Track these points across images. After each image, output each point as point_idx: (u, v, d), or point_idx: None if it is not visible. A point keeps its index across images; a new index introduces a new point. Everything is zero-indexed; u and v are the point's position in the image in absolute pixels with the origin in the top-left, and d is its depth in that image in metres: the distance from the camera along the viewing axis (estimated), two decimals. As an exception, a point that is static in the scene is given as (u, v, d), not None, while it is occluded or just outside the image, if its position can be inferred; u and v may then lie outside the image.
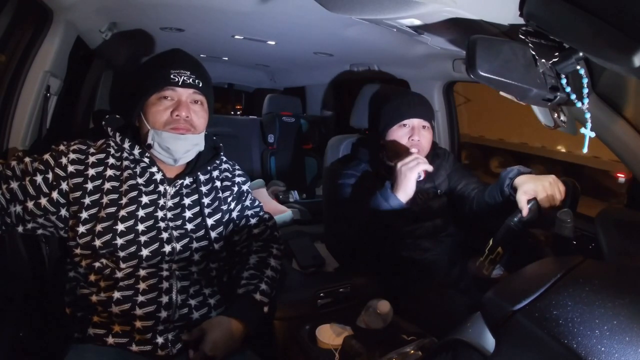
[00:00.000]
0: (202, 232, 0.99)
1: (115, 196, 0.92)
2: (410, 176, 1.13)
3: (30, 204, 0.89)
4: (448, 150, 1.60)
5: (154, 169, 0.96)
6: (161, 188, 0.96)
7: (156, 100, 0.93)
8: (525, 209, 0.94)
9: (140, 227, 0.91)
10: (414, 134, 1.26)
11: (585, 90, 0.66)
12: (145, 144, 0.95)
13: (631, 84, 0.78)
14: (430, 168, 1.15)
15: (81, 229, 0.89)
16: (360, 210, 1.22)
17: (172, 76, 0.92)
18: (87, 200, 0.90)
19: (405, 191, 1.14)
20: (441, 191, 1.34)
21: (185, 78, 0.93)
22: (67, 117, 1.72)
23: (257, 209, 1.14)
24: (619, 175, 2.99)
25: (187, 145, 0.95)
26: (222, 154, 1.09)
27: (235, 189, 1.10)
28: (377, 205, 1.16)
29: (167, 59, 0.96)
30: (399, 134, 1.28)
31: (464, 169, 1.42)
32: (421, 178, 1.16)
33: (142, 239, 0.91)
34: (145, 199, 0.94)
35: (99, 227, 0.89)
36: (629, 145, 0.82)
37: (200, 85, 0.95)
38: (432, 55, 1.51)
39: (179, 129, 0.93)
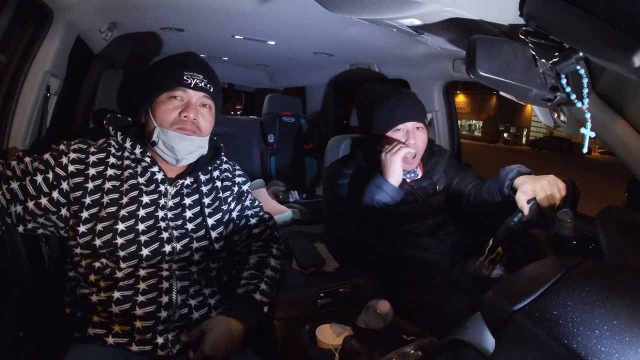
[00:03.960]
0: (202, 232, 0.99)
1: (115, 195, 0.92)
2: (396, 159, 1.19)
3: (30, 204, 0.89)
4: (445, 148, 1.60)
5: (155, 169, 0.97)
6: (162, 188, 0.96)
7: (166, 99, 0.94)
8: (525, 209, 0.94)
9: (141, 226, 0.91)
10: (409, 138, 1.26)
11: (585, 90, 0.66)
12: (149, 141, 0.96)
13: (631, 84, 0.77)
14: (412, 151, 1.22)
15: (81, 228, 0.89)
16: (360, 209, 1.23)
17: (185, 77, 0.94)
18: (87, 200, 0.90)
19: (394, 175, 1.19)
20: (440, 187, 1.34)
21: (197, 81, 0.95)
22: (67, 117, 1.72)
23: (257, 209, 1.14)
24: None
25: (191, 147, 0.96)
26: (222, 154, 1.10)
27: (236, 189, 1.10)
28: (372, 195, 1.17)
29: (181, 61, 0.98)
30: (394, 137, 1.28)
31: (459, 164, 1.43)
32: (407, 160, 1.24)
33: (143, 238, 0.91)
34: (146, 199, 0.94)
35: (99, 227, 0.89)
36: (629, 145, 0.82)
37: (211, 90, 0.97)
38: (432, 55, 1.51)
39: (185, 130, 0.94)
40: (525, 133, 32.39)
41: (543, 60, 0.65)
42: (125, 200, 0.92)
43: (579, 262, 0.54)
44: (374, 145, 1.36)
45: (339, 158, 1.54)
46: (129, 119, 1.06)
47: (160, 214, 0.94)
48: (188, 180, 1.00)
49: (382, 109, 1.29)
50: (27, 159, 0.92)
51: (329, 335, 1.01)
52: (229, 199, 1.08)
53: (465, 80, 1.71)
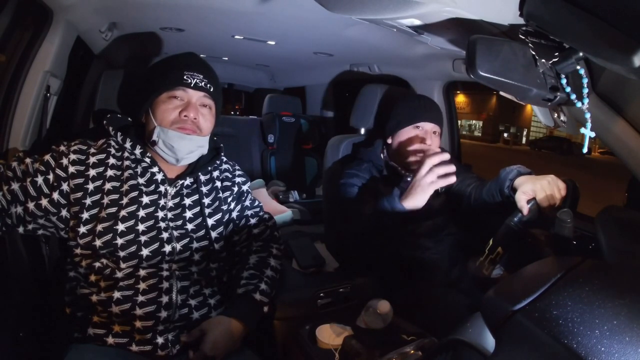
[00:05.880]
0: (202, 232, 0.99)
1: (116, 196, 0.92)
2: (427, 193, 1.07)
3: (31, 205, 0.89)
4: (445, 148, 1.60)
5: (155, 169, 0.97)
6: (162, 188, 0.96)
7: (166, 99, 0.95)
8: (525, 208, 0.94)
9: (141, 227, 0.91)
10: (427, 138, 1.27)
11: (585, 90, 0.66)
12: (149, 141, 0.96)
13: (631, 84, 0.78)
14: (451, 181, 1.08)
15: (82, 229, 0.89)
16: (362, 209, 1.22)
17: (185, 77, 0.94)
18: (88, 201, 0.91)
19: (415, 204, 1.09)
20: (440, 189, 1.34)
21: (197, 81, 0.95)
22: (67, 117, 1.72)
23: (257, 209, 1.14)
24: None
25: (191, 146, 0.96)
26: (222, 154, 1.10)
27: (236, 189, 1.10)
28: (380, 213, 1.14)
29: (182, 61, 0.99)
30: (411, 135, 1.29)
31: (459, 165, 1.43)
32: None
33: (143, 239, 0.91)
34: (146, 199, 0.94)
35: (99, 227, 0.89)
36: (629, 145, 0.82)
37: (211, 90, 0.98)
38: (432, 55, 1.51)
39: (185, 129, 0.94)
40: (525, 133, 32.38)
41: (543, 60, 0.65)
42: (125, 200, 0.92)
43: (579, 262, 0.54)
44: (381, 142, 1.36)
45: (340, 158, 1.54)
46: (129, 119, 1.06)
47: (160, 214, 0.94)
48: (188, 181, 1.00)
49: (406, 105, 1.32)
50: (28, 160, 0.92)
51: (329, 335, 1.01)
52: (229, 199, 1.08)
53: (465, 80, 1.71)
